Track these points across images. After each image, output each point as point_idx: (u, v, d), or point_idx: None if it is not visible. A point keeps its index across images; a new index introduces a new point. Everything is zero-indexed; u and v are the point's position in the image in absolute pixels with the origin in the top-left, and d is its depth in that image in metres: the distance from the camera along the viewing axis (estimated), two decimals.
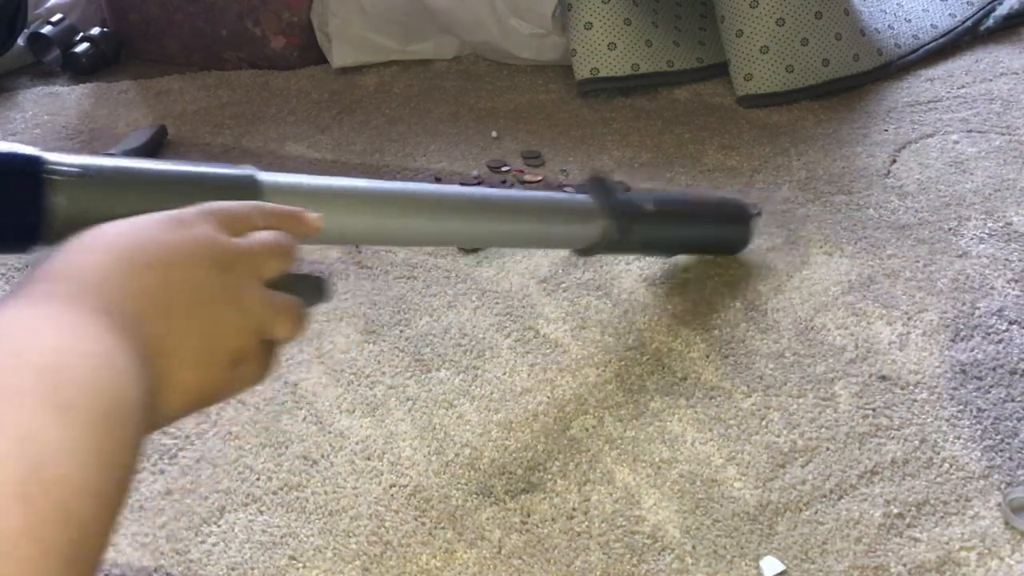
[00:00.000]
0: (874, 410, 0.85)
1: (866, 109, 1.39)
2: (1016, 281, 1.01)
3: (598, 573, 0.72)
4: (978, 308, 0.97)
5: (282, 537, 0.76)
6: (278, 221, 0.54)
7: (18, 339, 0.38)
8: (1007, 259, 1.05)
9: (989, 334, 0.94)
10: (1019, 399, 0.86)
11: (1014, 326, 0.95)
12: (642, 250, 1.01)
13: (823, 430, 0.84)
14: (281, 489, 0.80)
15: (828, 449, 0.82)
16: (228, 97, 1.52)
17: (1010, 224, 1.10)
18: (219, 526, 0.77)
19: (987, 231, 1.09)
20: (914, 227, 1.11)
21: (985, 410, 0.85)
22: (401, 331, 0.98)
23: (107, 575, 0.73)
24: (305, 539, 0.76)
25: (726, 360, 0.92)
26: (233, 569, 0.73)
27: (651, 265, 1.06)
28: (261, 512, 0.78)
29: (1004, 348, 0.92)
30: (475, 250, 1.09)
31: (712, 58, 1.48)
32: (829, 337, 0.94)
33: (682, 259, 1.07)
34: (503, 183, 1.23)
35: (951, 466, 0.80)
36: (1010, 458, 0.80)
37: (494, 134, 1.36)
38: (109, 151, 1.31)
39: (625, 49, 1.42)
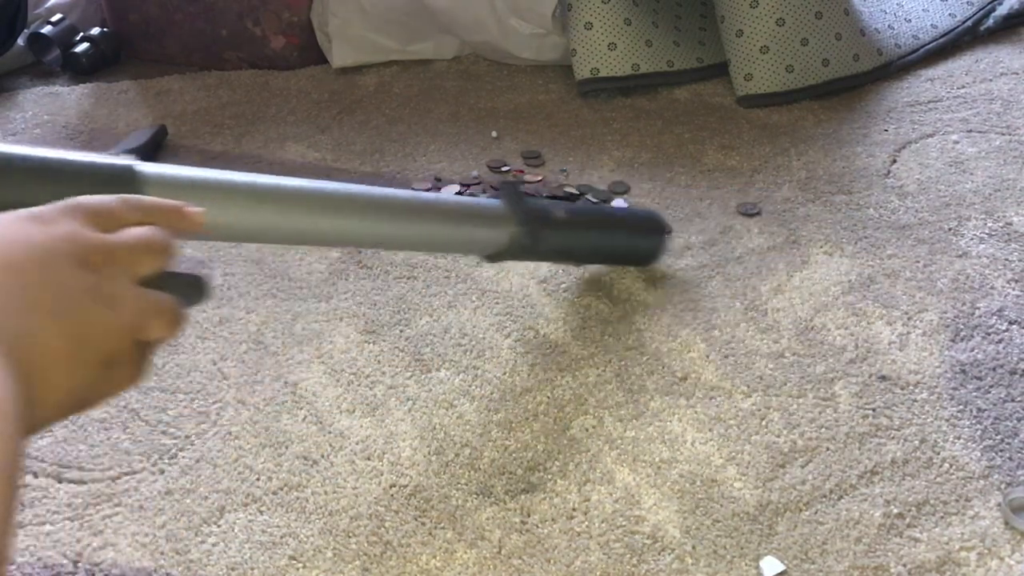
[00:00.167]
0: (874, 410, 0.85)
1: (866, 109, 1.39)
2: (1016, 281, 1.01)
3: (598, 573, 0.72)
4: (978, 308, 0.97)
5: (282, 537, 0.76)
6: (154, 216, 0.51)
7: None
8: (1007, 259, 1.05)
9: (989, 334, 0.94)
10: (1019, 399, 0.86)
11: (1014, 326, 0.95)
12: (552, 257, 0.99)
13: (823, 430, 0.84)
14: (281, 489, 0.80)
15: (828, 449, 0.82)
16: (228, 97, 1.52)
17: (1010, 224, 1.10)
18: (219, 526, 0.77)
19: (987, 231, 1.09)
20: (914, 227, 1.11)
21: (985, 410, 0.85)
22: (401, 331, 0.98)
23: (107, 575, 0.73)
24: (305, 539, 0.76)
25: (726, 360, 0.92)
26: (233, 569, 0.73)
27: (651, 265, 1.06)
28: (261, 512, 0.78)
29: (1004, 348, 0.92)
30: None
31: (712, 58, 1.48)
32: (829, 337, 0.94)
33: (682, 259, 1.07)
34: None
35: (951, 466, 0.80)
36: (1010, 458, 0.80)
37: (494, 134, 1.36)
38: (109, 151, 1.31)
39: (625, 49, 1.42)
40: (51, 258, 0.45)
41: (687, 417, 0.86)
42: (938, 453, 0.81)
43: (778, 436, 0.83)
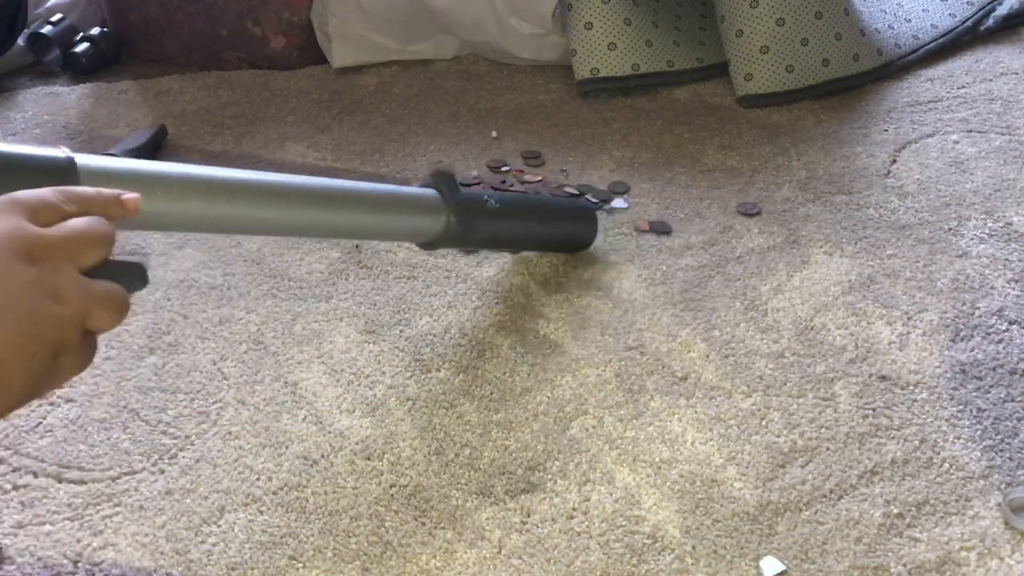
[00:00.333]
0: (874, 410, 0.85)
1: (866, 109, 1.39)
2: (1016, 281, 1.01)
3: (598, 573, 0.72)
4: (978, 308, 0.97)
5: (282, 537, 0.76)
6: (93, 206, 0.52)
7: None
8: (1007, 259, 1.05)
9: (989, 334, 0.94)
10: (1019, 399, 0.86)
11: (1014, 326, 0.95)
12: (486, 245, 1.01)
13: (823, 430, 0.84)
14: (281, 489, 0.80)
15: (828, 449, 0.82)
16: (228, 97, 1.52)
17: (1010, 224, 1.10)
18: (219, 526, 0.77)
19: (987, 231, 1.09)
20: (914, 227, 1.11)
21: (985, 410, 0.85)
22: (401, 331, 0.98)
23: (107, 575, 0.73)
24: (305, 539, 0.76)
25: (726, 360, 0.92)
26: (233, 569, 0.73)
27: (651, 265, 1.06)
28: (261, 512, 0.78)
29: (1004, 348, 0.92)
30: (475, 250, 1.09)
31: (712, 58, 1.48)
32: (829, 337, 0.94)
33: (682, 259, 1.07)
34: (503, 183, 1.23)
35: (951, 466, 0.80)
36: (1010, 458, 0.80)
37: (494, 134, 1.36)
38: (109, 151, 1.31)
39: (625, 49, 1.42)
40: None
41: (687, 417, 0.86)
42: (938, 453, 0.81)
43: (778, 436, 0.83)
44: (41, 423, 0.87)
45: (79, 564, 0.74)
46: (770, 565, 0.72)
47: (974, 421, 0.84)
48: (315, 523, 0.77)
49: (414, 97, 1.49)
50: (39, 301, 0.46)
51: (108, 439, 0.85)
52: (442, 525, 0.76)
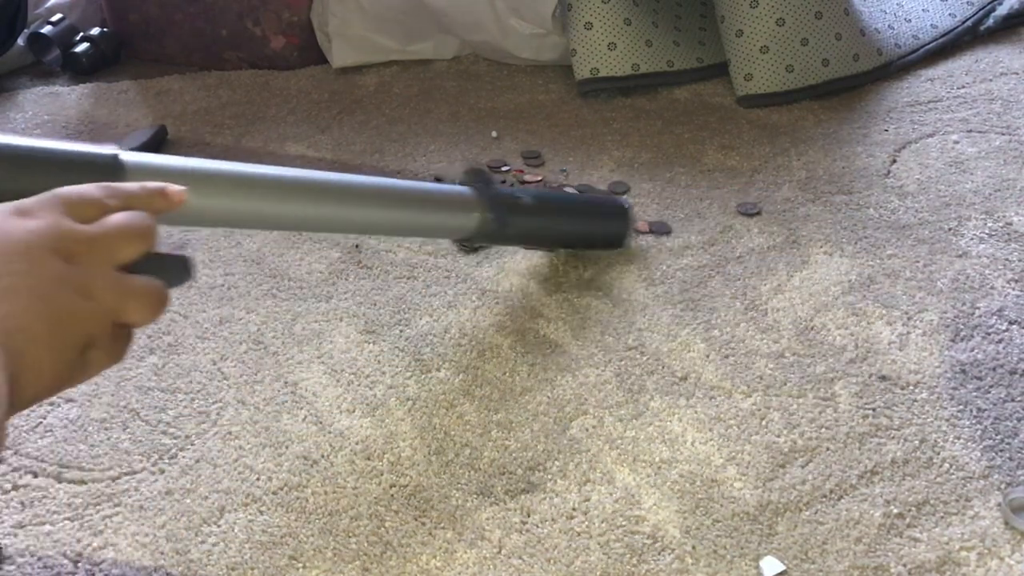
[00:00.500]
0: (874, 410, 0.85)
1: (866, 109, 1.39)
2: (1016, 281, 1.01)
3: (598, 573, 0.72)
4: (978, 308, 0.97)
5: (282, 537, 0.76)
6: (135, 200, 0.53)
7: None
8: (1007, 259, 1.05)
9: (989, 334, 0.94)
10: (1019, 399, 0.86)
11: (1014, 326, 0.95)
12: (520, 242, 1.03)
13: (823, 430, 0.84)
14: (281, 489, 0.80)
15: (828, 449, 0.82)
16: (228, 97, 1.52)
17: (1010, 224, 1.10)
18: (219, 526, 0.77)
19: (987, 231, 1.09)
20: (914, 227, 1.11)
21: (985, 410, 0.85)
22: (401, 331, 0.98)
23: (107, 575, 0.73)
24: (305, 539, 0.76)
25: (726, 360, 0.92)
26: (233, 569, 0.73)
27: (651, 265, 1.06)
28: (261, 512, 0.78)
29: (1004, 348, 0.92)
30: (475, 250, 1.09)
31: (712, 58, 1.48)
32: (829, 337, 0.94)
33: (682, 259, 1.07)
34: (503, 183, 1.23)
35: (951, 466, 0.80)
36: (1010, 458, 0.80)
37: (494, 134, 1.36)
38: None
39: (625, 49, 1.42)
40: (33, 250, 0.47)
41: (687, 417, 0.86)
42: (938, 453, 0.81)
43: (778, 436, 0.83)
44: (41, 423, 0.87)
45: (79, 564, 0.74)
46: (770, 565, 0.72)
47: (974, 421, 0.84)
48: (315, 523, 0.77)
49: (414, 97, 1.49)
50: (70, 299, 0.47)
51: (108, 439, 0.85)
52: (442, 525, 0.76)
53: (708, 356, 0.93)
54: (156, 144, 1.36)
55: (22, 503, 0.79)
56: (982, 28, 1.57)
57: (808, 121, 1.36)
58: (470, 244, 0.95)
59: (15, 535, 0.76)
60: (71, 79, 1.60)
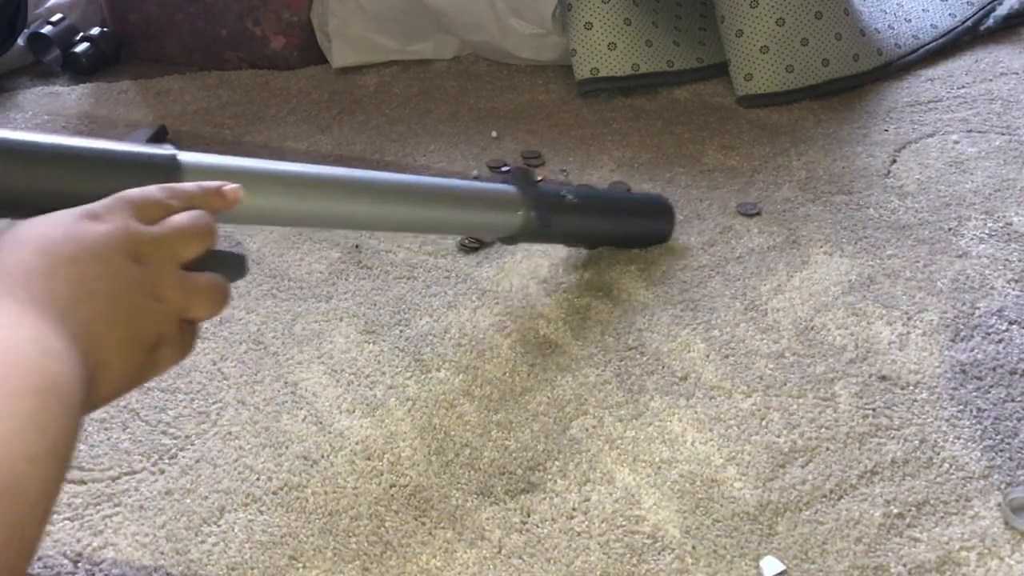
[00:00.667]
0: (874, 410, 0.85)
1: (866, 109, 1.39)
2: (1016, 281, 1.01)
3: (598, 573, 0.72)
4: (978, 308, 0.97)
5: (282, 537, 0.76)
6: (194, 200, 0.55)
7: None
8: (1007, 259, 1.05)
9: (989, 334, 0.94)
10: (1019, 399, 0.86)
11: (1014, 326, 0.95)
12: (563, 240, 1.04)
13: (823, 430, 0.84)
14: (281, 489, 0.80)
15: (828, 449, 0.82)
16: (228, 97, 1.52)
17: (1010, 224, 1.10)
18: (219, 526, 0.77)
19: (987, 231, 1.09)
20: (914, 227, 1.11)
21: (985, 410, 0.85)
22: (401, 331, 0.98)
23: (107, 575, 0.74)
24: (305, 539, 0.76)
25: (726, 360, 0.92)
26: (233, 569, 0.73)
27: (651, 265, 1.06)
28: (261, 512, 0.78)
29: (1004, 348, 0.92)
30: (475, 249, 1.09)
31: (712, 58, 1.48)
32: (829, 337, 0.94)
33: (682, 259, 1.07)
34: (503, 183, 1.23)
35: (951, 466, 0.80)
36: (1010, 458, 0.80)
37: (494, 134, 1.36)
38: None
39: (625, 49, 1.42)
40: (107, 253, 0.49)
41: (687, 417, 0.86)
42: (938, 453, 0.81)
43: (778, 436, 0.83)
44: None
45: (79, 564, 0.74)
46: (770, 565, 0.72)
47: (974, 421, 0.84)
48: (315, 523, 0.77)
49: (414, 97, 1.49)
50: (141, 300, 0.50)
51: (108, 439, 0.85)
52: (442, 525, 0.76)
53: (708, 356, 0.93)
54: (155, 144, 1.36)
55: None
56: (982, 28, 1.57)
57: (808, 121, 1.36)
58: (513, 242, 0.97)
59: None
60: (71, 79, 1.60)
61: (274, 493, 0.80)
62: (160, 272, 0.51)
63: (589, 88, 1.44)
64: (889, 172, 1.23)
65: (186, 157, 0.63)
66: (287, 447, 0.84)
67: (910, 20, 1.55)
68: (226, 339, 0.97)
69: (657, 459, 0.81)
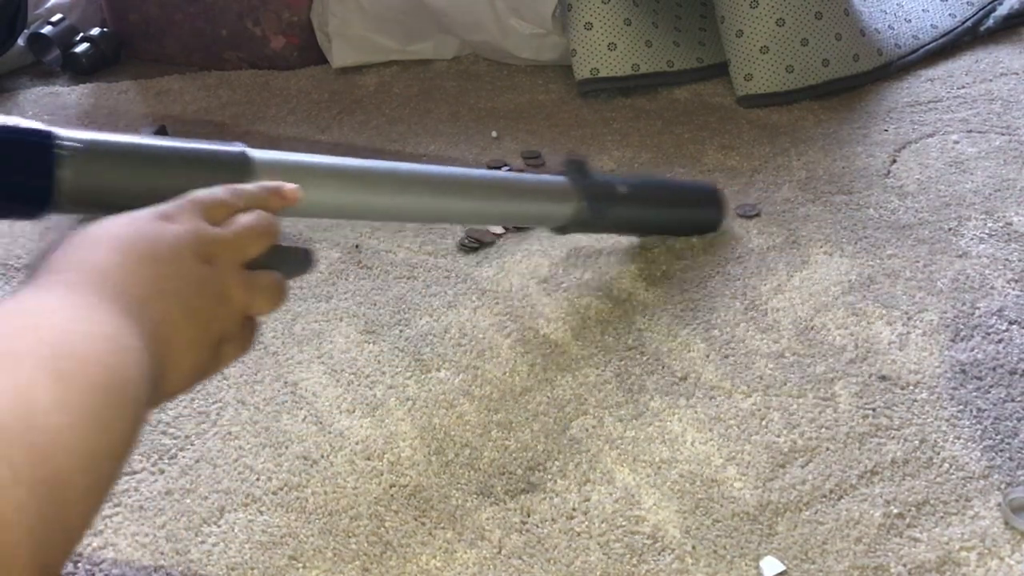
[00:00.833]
0: (874, 410, 0.85)
1: (866, 109, 1.39)
2: (1016, 281, 1.01)
3: (598, 573, 0.72)
4: (978, 308, 0.97)
5: (282, 537, 0.76)
6: (257, 200, 0.57)
7: (32, 316, 0.42)
8: (1007, 259, 1.05)
9: (989, 334, 0.94)
10: (1019, 399, 0.86)
11: (1014, 326, 0.95)
12: (615, 229, 1.05)
13: (823, 430, 0.84)
14: (281, 489, 0.80)
15: (828, 449, 0.82)
16: (228, 97, 1.52)
17: (1010, 224, 1.10)
18: (219, 526, 0.77)
19: (987, 231, 1.09)
20: (914, 227, 1.11)
21: (985, 410, 0.85)
22: (401, 331, 0.98)
23: (107, 575, 0.73)
24: (305, 539, 0.76)
25: (726, 360, 0.92)
26: (233, 569, 0.73)
27: (651, 265, 1.06)
28: (261, 512, 0.78)
29: (1004, 348, 0.92)
30: (475, 249, 1.09)
31: (712, 58, 1.48)
32: (829, 337, 0.94)
33: (682, 259, 1.07)
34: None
35: (951, 466, 0.80)
36: (1010, 458, 0.80)
37: (494, 134, 1.36)
38: None
39: (625, 49, 1.42)
40: (180, 253, 0.51)
41: (687, 417, 0.86)
42: (938, 453, 0.81)
43: (778, 436, 0.83)
44: None
45: (79, 564, 0.74)
46: (770, 565, 0.72)
47: (974, 421, 0.84)
48: (315, 523, 0.77)
49: (414, 97, 1.49)
50: (210, 300, 0.52)
51: None
52: (442, 525, 0.76)
53: (708, 356, 0.93)
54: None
55: None
56: (982, 28, 1.57)
57: (808, 121, 1.36)
58: (564, 232, 0.99)
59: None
60: (71, 79, 1.60)
61: (274, 493, 0.80)
62: (227, 272, 0.53)
63: (589, 88, 1.44)
64: (889, 172, 1.23)
65: (256, 154, 0.65)
66: (287, 447, 0.84)
67: (910, 20, 1.55)
68: None
69: (657, 459, 0.81)
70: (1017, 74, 1.45)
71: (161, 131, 1.37)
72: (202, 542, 0.76)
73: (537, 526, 0.76)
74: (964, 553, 0.72)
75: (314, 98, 1.50)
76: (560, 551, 0.74)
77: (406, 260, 1.08)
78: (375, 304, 1.02)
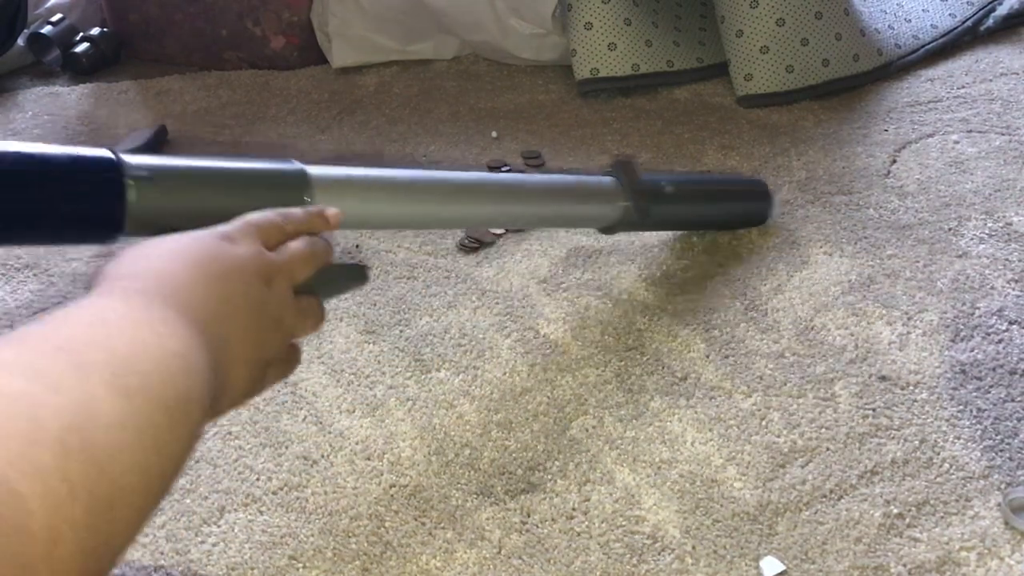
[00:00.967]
0: (874, 410, 0.85)
1: (866, 109, 1.39)
2: (1016, 281, 1.01)
3: (598, 573, 0.72)
4: (978, 308, 0.97)
5: (282, 537, 0.76)
6: (307, 224, 0.59)
7: (105, 327, 0.41)
8: (1007, 259, 1.05)
9: (989, 334, 0.94)
10: (1019, 399, 0.86)
11: (1014, 326, 0.95)
12: (663, 228, 1.07)
13: (823, 430, 0.84)
14: (281, 489, 0.80)
15: (828, 449, 0.82)
16: (228, 97, 1.52)
17: (1010, 224, 1.10)
18: (219, 526, 0.77)
19: (987, 231, 1.09)
20: (914, 227, 1.11)
21: (985, 410, 0.85)
22: (401, 331, 0.98)
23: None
24: (305, 539, 0.76)
25: (726, 360, 0.92)
26: (233, 569, 0.73)
27: (651, 265, 1.06)
28: (261, 512, 0.78)
29: (1004, 348, 0.92)
30: (475, 249, 1.09)
31: (712, 58, 1.48)
32: (829, 337, 0.94)
33: (682, 259, 1.07)
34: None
35: (951, 466, 0.80)
36: (1010, 458, 0.80)
37: (494, 134, 1.36)
38: None
39: (625, 49, 1.42)
40: (247, 275, 0.52)
41: (687, 417, 0.86)
42: (938, 453, 0.81)
43: (778, 436, 0.83)
44: None
45: None
46: (770, 565, 0.72)
47: (974, 421, 0.84)
48: (315, 523, 0.77)
49: (414, 97, 1.49)
50: (268, 323, 0.53)
51: None
52: (442, 525, 0.76)
53: (708, 356, 0.93)
54: (156, 144, 1.36)
55: None
56: (982, 28, 1.57)
57: (808, 121, 1.36)
58: (611, 232, 1.00)
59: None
60: (71, 79, 1.60)
61: (274, 493, 0.80)
62: (281, 296, 0.54)
63: (589, 88, 1.44)
64: (889, 172, 1.23)
65: (314, 171, 0.66)
66: (287, 447, 0.84)
67: (910, 20, 1.55)
68: None
69: (657, 459, 0.81)
70: (1017, 74, 1.45)
71: (161, 131, 1.37)
72: (202, 542, 0.76)
73: (537, 526, 0.76)
74: (964, 553, 0.72)
75: (314, 98, 1.50)
76: (560, 551, 0.74)
77: (406, 260, 1.08)
78: (375, 304, 1.02)
